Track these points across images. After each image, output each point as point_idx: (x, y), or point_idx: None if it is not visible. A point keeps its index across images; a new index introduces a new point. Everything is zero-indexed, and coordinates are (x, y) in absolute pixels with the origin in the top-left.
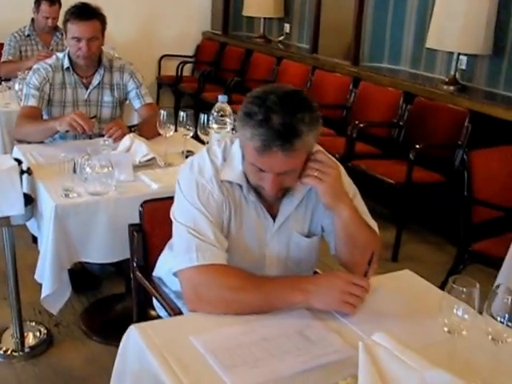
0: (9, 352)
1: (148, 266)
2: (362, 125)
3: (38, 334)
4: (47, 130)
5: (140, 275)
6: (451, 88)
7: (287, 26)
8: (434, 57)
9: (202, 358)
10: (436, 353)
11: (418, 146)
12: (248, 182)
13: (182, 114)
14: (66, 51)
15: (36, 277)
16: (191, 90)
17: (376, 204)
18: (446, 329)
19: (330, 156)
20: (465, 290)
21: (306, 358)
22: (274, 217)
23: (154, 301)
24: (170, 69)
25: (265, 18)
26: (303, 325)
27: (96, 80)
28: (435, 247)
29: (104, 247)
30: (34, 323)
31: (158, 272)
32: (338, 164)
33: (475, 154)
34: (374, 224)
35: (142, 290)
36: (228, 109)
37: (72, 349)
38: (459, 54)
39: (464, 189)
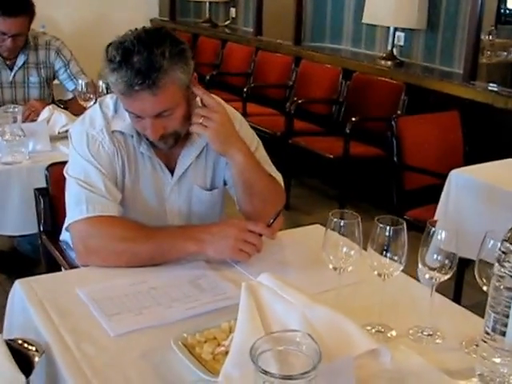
0: None
1: (56, 231)
2: (300, 101)
3: None
4: None
5: (47, 239)
6: (389, 63)
7: (233, 11)
8: (374, 35)
9: (84, 308)
10: (330, 297)
11: (353, 119)
12: (139, 133)
13: (101, 84)
14: None
15: None
16: None
17: (321, 183)
18: (330, 266)
19: (217, 99)
20: (344, 222)
21: (194, 305)
22: (172, 170)
23: (63, 267)
24: None
25: (211, 3)
26: (197, 275)
27: (21, 60)
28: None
29: (19, 219)
30: None
31: (63, 235)
32: (225, 108)
33: (403, 121)
34: (278, 175)
35: (51, 258)
36: None
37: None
38: (395, 29)
39: (393, 157)
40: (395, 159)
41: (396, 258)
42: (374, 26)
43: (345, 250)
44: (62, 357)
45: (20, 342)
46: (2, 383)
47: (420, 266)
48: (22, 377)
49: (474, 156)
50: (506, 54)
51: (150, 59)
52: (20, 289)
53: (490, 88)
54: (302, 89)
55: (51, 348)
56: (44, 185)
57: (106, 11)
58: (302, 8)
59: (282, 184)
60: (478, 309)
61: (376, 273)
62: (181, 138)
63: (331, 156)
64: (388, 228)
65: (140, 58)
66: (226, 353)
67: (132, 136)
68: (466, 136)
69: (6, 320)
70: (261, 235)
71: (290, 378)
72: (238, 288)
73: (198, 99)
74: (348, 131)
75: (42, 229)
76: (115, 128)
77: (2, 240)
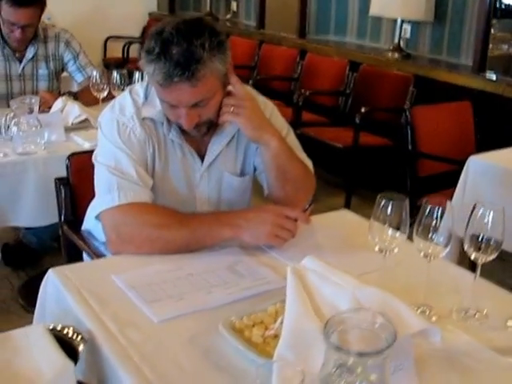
0: None
1: (77, 221)
2: (307, 93)
3: None
4: None
5: (68, 229)
6: (396, 55)
7: (234, 4)
8: (379, 27)
9: (122, 295)
10: (373, 278)
11: (363, 110)
12: (169, 120)
13: (115, 74)
14: None
15: None
16: (139, 70)
17: (325, 172)
18: (376, 248)
19: (247, 88)
20: (393, 203)
21: (235, 290)
22: (202, 157)
23: (84, 256)
24: (116, 50)
25: None
26: (234, 261)
27: (30, 53)
28: None
29: (34, 210)
30: None
31: (86, 225)
32: (254, 97)
33: (417, 110)
34: (309, 162)
35: (73, 246)
36: None
37: (8, 324)
38: (402, 21)
39: (407, 145)
40: (410, 147)
41: (442, 239)
42: (380, 18)
43: (390, 232)
44: (108, 344)
45: (64, 330)
46: (52, 371)
47: (466, 246)
48: (71, 364)
49: (485, 144)
50: (506, 46)
51: (190, 51)
52: (55, 277)
53: (500, 78)
54: (308, 81)
55: (94, 336)
56: (60, 175)
57: (104, 5)
58: (306, 2)
59: (313, 170)
60: None
61: (422, 254)
62: (213, 125)
63: (341, 146)
64: (436, 209)
65: (179, 49)
66: (275, 336)
67: (162, 123)
68: (477, 125)
69: (37, 309)
70: (295, 221)
71: (365, 355)
72: (276, 273)
73: (229, 87)
74: (358, 121)
75: (62, 219)
76: (146, 115)
77: (7, 232)
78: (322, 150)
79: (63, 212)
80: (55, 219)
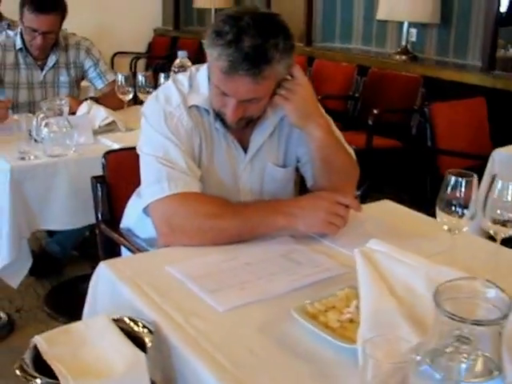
0: None
1: (114, 219)
2: (319, 97)
3: None
4: None
5: (106, 228)
6: (403, 57)
7: None
8: (385, 32)
9: (181, 285)
10: (440, 259)
11: (375, 112)
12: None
13: (140, 77)
14: (19, 30)
15: None
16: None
17: None
18: (445, 227)
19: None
20: (463, 179)
21: (296, 277)
22: (245, 148)
23: (123, 254)
24: (123, 66)
25: (216, 10)
26: (288, 249)
27: (51, 61)
28: None
29: (65, 213)
30: None
31: (125, 222)
32: (309, 84)
33: (435, 107)
34: (351, 150)
35: (109, 245)
36: (189, 63)
37: (35, 332)
38: (409, 24)
39: (426, 142)
40: (429, 144)
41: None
42: (385, 23)
43: (459, 210)
44: (175, 334)
45: (129, 321)
46: (124, 362)
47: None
48: (142, 355)
49: (500, 139)
50: (503, 50)
51: (264, 48)
52: (108, 270)
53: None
54: (317, 87)
55: (160, 326)
56: (90, 177)
57: (109, 21)
58: (312, 9)
59: (355, 158)
60: None
61: (492, 232)
62: (252, 121)
63: (354, 148)
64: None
65: (253, 43)
66: (351, 320)
67: (208, 111)
68: (491, 121)
69: (87, 304)
70: (347, 207)
71: (480, 323)
72: (333, 260)
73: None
74: (371, 123)
75: (99, 218)
76: (192, 103)
77: (31, 241)
78: None
79: (100, 210)
80: (85, 222)
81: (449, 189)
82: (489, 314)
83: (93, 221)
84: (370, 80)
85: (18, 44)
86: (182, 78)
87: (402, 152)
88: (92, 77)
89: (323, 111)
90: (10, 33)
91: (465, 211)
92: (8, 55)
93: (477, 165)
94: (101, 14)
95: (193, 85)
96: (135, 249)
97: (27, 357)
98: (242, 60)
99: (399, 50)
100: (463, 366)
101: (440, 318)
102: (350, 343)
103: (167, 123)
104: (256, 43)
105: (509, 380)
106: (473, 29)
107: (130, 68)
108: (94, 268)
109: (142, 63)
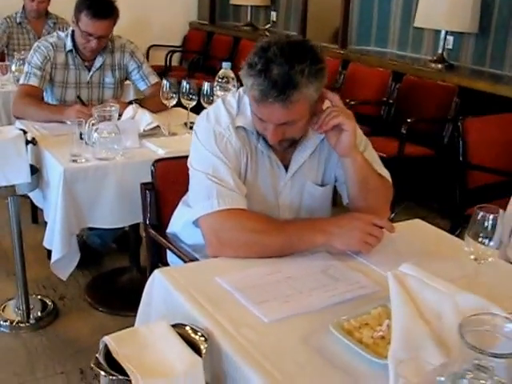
0: (14, 323)
1: (160, 224)
2: (352, 102)
3: (43, 306)
4: (50, 117)
5: (154, 232)
6: (439, 66)
7: (274, 14)
8: (421, 38)
9: (230, 296)
10: (465, 283)
11: (409, 120)
12: (257, 131)
13: (184, 84)
14: (69, 31)
15: (44, 243)
16: (180, 79)
17: None
18: (472, 256)
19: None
20: (491, 216)
21: (334, 293)
22: (286, 167)
23: (169, 258)
24: (158, 59)
25: (251, 6)
26: (326, 265)
27: (98, 62)
28: (427, 221)
29: (112, 212)
30: (39, 297)
31: (172, 228)
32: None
33: (469, 122)
34: (387, 173)
35: (156, 249)
36: (231, 75)
37: (78, 320)
38: (446, 32)
39: (458, 156)
40: (461, 158)
41: (492, 244)
42: (422, 29)
43: (486, 241)
44: (228, 343)
45: (188, 329)
46: (183, 366)
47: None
48: (199, 359)
49: None
50: None
51: (289, 75)
52: (163, 278)
53: None
54: (350, 90)
55: (212, 334)
56: (138, 180)
57: (145, 13)
58: (348, 11)
59: (390, 180)
60: None
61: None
62: (295, 142)
63: (384, 155)
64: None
65: (280, 71)
66: (382, 338)
67: (253, 133)
68: None
69: (141, 308)
70: (381, 228)
71: (498, 355)
72: (367, 278)
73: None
74: (404, 131)
75: (147, 222)
76: (239, 124)
77: None
78: None
79: (148, 215)
80: (130, 221)
81: (477, 223)
82: (507, 346)
83: (137, 220)
84: (405, 87)
85: (69, 45)
86: (231, 99)
87: (433, 161)
88: (135, 79)
89: (360, 131)
90: (61, 34)
91: (491, 243)
92: (59, 56)
93: (507, 180)
94: (137, 6)
95: (240, 106)
96: (181, 253)
97: (100, 355)
98: (270, 88)
99: (435, 57)
100: None
101: (463, 348)
102: (381, 358)
103: (217, 143)
104: (282, 71)
105: None
106: (511, 38)
107: (165, 61)
108: (132, 259)
109: (176, 57)
